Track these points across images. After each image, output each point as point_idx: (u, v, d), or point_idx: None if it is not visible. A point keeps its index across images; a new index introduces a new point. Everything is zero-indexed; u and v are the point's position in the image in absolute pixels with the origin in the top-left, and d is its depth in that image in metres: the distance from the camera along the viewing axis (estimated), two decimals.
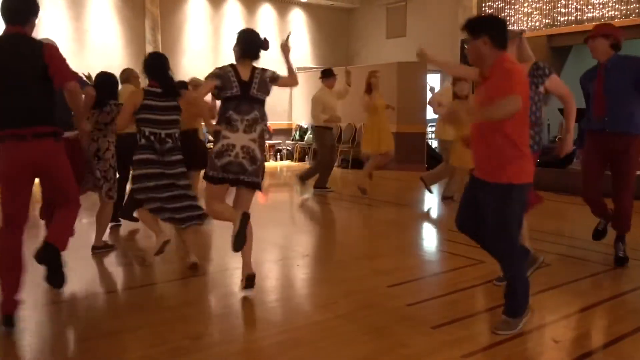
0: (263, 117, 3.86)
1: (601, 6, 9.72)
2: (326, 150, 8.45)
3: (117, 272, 4.37)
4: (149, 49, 11.93)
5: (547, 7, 10.51)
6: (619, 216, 4.43)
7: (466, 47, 3.14)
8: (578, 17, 10.06)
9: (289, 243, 5.60)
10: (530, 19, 10.79)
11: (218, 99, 3.82)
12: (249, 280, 3.75)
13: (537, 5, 10.66)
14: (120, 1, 11.76)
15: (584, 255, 4.88)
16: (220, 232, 4.83)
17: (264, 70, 3.89)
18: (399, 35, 13.71)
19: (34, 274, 4.23)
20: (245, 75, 3.77)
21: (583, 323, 3.37)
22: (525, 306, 3.17)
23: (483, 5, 11.57)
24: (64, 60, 3.38)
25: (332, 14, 14.54)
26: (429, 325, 3.27)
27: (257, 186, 3.80)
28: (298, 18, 14.35)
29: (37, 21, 3.44)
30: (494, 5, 11.38)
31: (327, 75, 8.40)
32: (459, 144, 5.87)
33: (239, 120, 3.70)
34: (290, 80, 4.09)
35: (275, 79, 3.91)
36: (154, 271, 4.50)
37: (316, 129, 8.58)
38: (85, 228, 5.75)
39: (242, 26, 13.25)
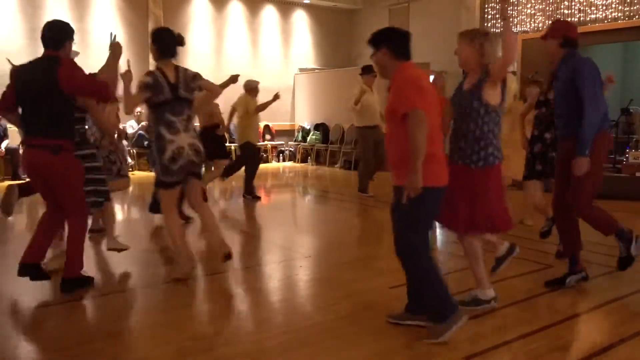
0: (192, 116, 4.06)
1: (604, 7, 9.71)
2: (368, 152, 8.02)
3: (121, 273, 4.37)
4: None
5: (550, 9, 10.50)
6: (591, 226, 4.02)
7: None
8: (581, 19, 10.05)
9: (291, 244, 5.60)
10: (533, 20, 10.78)
11: (150, 105, 3.91)
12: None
13: (540, 7, 10.65)
14: (124, 3, 11.79)
15: (586, 257, 4.86)
16: (223, 233, 4.83)
17: (185, 70, 4.02)
18: None
19: None
20: (171, 76, 3.90)
21: (585, 325, 3.37)
22: (444, 311, 3.02)
23: (486, 6, 11.56)
24: (80, 77, 3.69)
25: (335, 15, 14.55)
26: None
27: (200, 176, 4.21)
28: (301, 19, 14.36)
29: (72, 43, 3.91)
30: (497, 6, 11.36)
31: (367, 71, 7.98)
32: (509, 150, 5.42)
33: (177, 121, 3.87)
34: (210, 94, 4.27)
35: (196, 80, 4.02)
36: (157, 272, 4.51)
37: (357, 130, 8.23)
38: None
39: (246, 28, 13.44)
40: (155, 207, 6.24)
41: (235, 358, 2.91)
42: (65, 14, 11.06)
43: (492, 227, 3.38)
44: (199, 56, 12.71)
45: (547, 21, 10.55)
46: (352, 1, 14.56)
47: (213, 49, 12.99)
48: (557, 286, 3.95)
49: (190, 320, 3.44)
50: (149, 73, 3.94)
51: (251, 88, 7.89)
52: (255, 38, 13.58)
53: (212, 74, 12.40)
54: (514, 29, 11.08)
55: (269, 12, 13.81)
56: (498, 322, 3.38)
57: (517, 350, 3.00)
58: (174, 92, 3.86)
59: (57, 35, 3.79)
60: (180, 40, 4.09)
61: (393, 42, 3.15)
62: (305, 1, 14.04)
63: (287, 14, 14.12)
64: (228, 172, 7.71)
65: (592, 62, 3.91)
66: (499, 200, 3.38)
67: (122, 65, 4.20)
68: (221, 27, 13.16)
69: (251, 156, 7.90)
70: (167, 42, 4.02)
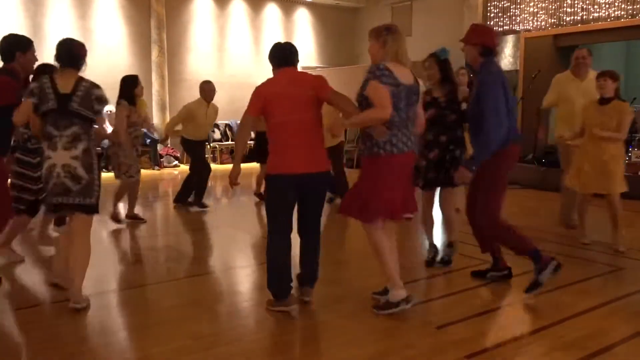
0: (87, 134, 3.52)
1: (607, 6, 9.67)
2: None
3: (121, 271, 4.37)
4: (155, 48, 11.97)
5: (553, 7, 10.47)
6: (501, 244, 4.01)
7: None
8: (584, 17, 10.02)
9: (293, 244, 5.58)
10: (535, 18, 10.75)
11: (38, 115, 3.51)
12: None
13: (543, 5, 10.61)
14: (126, 0, 11.79)
15: (589, 256, 4.86)
16: (224, 231, 4.83)
17: (93, 85, 3.57)
18: (405, 34, 13.61)
19: (40, 274, 4.25)
20: (65, 87, 3.48)
21: (587, 324, 3.35)
22: (275, 292, 3.45)
23: (488, 4, 11.53)
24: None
25: (338, 13, 14.53)
26: (434, 325, 3.26)
27: (87, 209, 3.51)
28: (303, 17, 14.34)
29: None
30: (500, 5, 11.34)
31: None
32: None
33: (57, 136, 3.43)
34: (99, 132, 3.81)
35: (100, 104, 3.56)
36: (157, 270, 4.50)
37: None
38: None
39: (248, 26, 13.42)
40: (181, 198, 7.03)
41: (235, 357, 2.91)
42: (67, 12, 11.07)
43: (353, 213, 3.47)
44: (201, 54, 12.71)
45: (549, 20, 10.52)
46: None
47: (215, 47, 12.98)
48: (534, 288, 3.74)
49: (189, 319, 3.43)
50: (35, 80, 3.72)
51: None
52: (257, 36, 13.57)
53: (215, 72, 12.44)
54: (517, 27, 11.04)
55: (272, 10, 13.80)
56: (500, 321, 3.37)
57: (519, 349, 2.99)
58: (61, 103, 3.43)
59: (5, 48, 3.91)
60: (82, 51, 3.73)
61: (270, 54, 3.67)
62: None
63: (290, 12, 14.10)
64: None
65: (499, 74, 3.78)
66: (372, 191, 3.37)
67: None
68: (223, 25, 13.15)
69: None
70: (68, 54, 3.66)
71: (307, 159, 3.41)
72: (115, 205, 6.12)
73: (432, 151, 4.24)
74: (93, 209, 3.53)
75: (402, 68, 3.38)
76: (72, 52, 3.63)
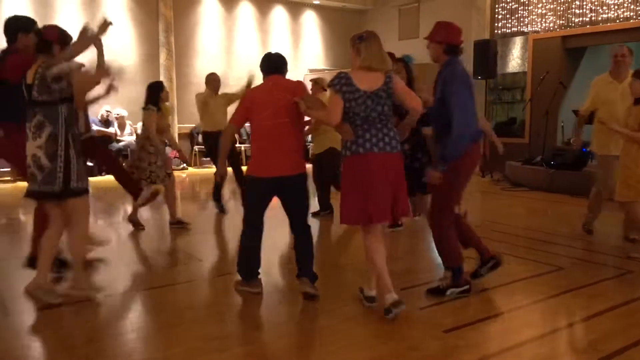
0: (52, 120, 3.44)
1: (616, 7, 9.62)
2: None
3: (130, 274, 4.39)
4: (163, 51, 12.03)
5: (562, 8, 10.42)
6: (436, 245, 3.94)
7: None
8: (593, 18, 9.97)
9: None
10: (544, 19, 10.71)
11: None
12: None
13: (552, 6, 10.57)
14: (134, 4, 11.86)
15: (599, 259, 4.83)
16: (233, 234, 4.84)
17: (47, 68, 3.43)
18: (412, 36, 13.66)
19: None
20: (30, 76, 3.47)
21: (597, 327, 3.33)
22: (243, 275, 3.86)
23: (496, 6, 11.50)
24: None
25: (345, 15, 14.53)
26: (441, 329, 3.25)
27: (51, 196, 3.50)
28: (310, 20, 14.37)
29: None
30: (508, 7, 11.31)
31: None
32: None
33: (28, 127, 3.48)
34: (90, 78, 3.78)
35: (58, 79, 3.43)
36: (167, 273, 4.52)
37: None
38: (99, 229, 5.80)
39: (255, 28, 13.47)
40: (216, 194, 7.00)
41: (243, 359, 2.91)
42: (76, 15, 11.14)
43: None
44: (208, 57, 12.76)
45: (558, 21, 10.48)
46: (362, 1, 14.54)
47: (223, 49, 13.02)
48: (437, 296, 3.77)
49: (199, 321, 3.44)
50: None
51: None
52: (265, 39, 13.60)
53: (222, 75, 12.39)
54: (525, 29, 11.00)
55: (279, 13, 13.83)
56: (508, 325, 3.36)
57: (527, 353, 2.97)
58: (27, 94, 3.45)
59: (8, 29, 4.00)
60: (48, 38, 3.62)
61: (260, 63, 3.89)
62: (315, 2, 14.04)
63: (297, 15, 14.13)
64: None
65: (464, 73, 3.75)
66: (347, 193, 3.46)
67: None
68: (231, 27, 13.19)
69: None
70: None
71: (283, 162, 3.62)
72: (135, 209, 6.05)
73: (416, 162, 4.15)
74: (55, 196, 3.48)
75: (369, 74, 3.45)
76: (41, 38, 3.63)
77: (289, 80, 3.90)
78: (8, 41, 4.06)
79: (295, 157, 3.69)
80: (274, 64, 3.87)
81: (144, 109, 5.84)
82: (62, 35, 3.69)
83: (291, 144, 3.67)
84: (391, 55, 4.93)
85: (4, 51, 4.05)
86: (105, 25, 3.98)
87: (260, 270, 3.89)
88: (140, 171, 5.72)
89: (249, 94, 3.89)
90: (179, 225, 6.06)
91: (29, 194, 3.57)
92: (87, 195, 3.64)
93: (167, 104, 6.26)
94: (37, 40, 3.61)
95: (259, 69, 3.94)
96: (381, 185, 3.37)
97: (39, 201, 3.74)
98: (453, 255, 3.81)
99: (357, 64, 3.52)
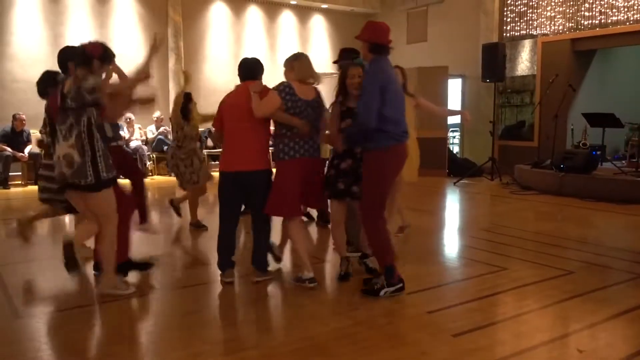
0: (79, 121, 3.70)
1: (626, 9, 9.57)
2: None
3: (139, 277, 4.41)
4: (172, 56, 12.10)
5: (571, 11, 10.38)
6: (369, 244, 4.07)
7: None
8: (602, 21, 9.92)
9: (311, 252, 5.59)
10: (553, 22, 10.67)
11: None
12: None
13: (561, 9, 10.53)
14: (144, 10, 11.94)
15: (609, 263, 4.79)
16: (241, 239, 4.85)
17: (85, 77, 3.73)
18: (420, 40, 13.67)
19: (57, 280, 4.30)
20: (67, 86, 3.77)
21: (607, 332, 3.31)
22: (219, 265, 4.25)
23: (505, 9, 11.47)
24: None
25: (353, 19, 14.55)
26: (450, 333, 3.24)
27: (83, 187, 3.71)
28: (319, 24, 14.40)
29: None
30: (516, 10, 11.28)
31: None
32: None
33: (59, 130, 3.75)
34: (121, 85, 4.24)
35: (93, 90, 3.70)
36: (173, 277, 4.53)
37: None
38: None
39: (264, 33, 13.52)
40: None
41: None
42: (87, 22, 11.24)
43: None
44: (217, 62, 12.82)
45: (567, 24, 10.44)
46: (370, 5, 14.56)
47: (232, 54, 13.07)
48: (371, 296, 3.83)
49: (206, 325, 3.45)
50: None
51: None
52: (273, 43, 13.65)
53: (231, 80, 12.49)
54: (534, 32, 10.97)
55: (287, 18, 13.88)
56: (519, 329, 3.34)
57: (538, 358, 2.95)
58: (62, 101, 3.76)
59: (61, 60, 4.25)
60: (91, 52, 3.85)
61: (238, 69, 4.30)
62: (322, 6, 14.08)
63: (305, 19, 14.17)
64: None
65: (382, 72, 3.76)
66: (279, 190, 4.03)
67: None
68: (239, 32, 13.25)
69: None
70: (61, 62, 4.18)
71: (243, 159, 4.08)
72: (193, 214, 6.31)
73: (344, 161, 4.13)
74: (88, 187, 3.70)
75: (304, 86, 4.06)
76: (83, 51, 3.83)
77: (246, 86, 4.17)
78: (62, 71, 4.27)
79: (255, 155, 4.11)
80: (248, 71, 4.28)
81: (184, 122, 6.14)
82: (105, 53, 3.85)
83: (253, 144, 4.11)
84: (356, 51, 4.93)
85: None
86: (155, 45, 4.24)
87: (232, 264, 4.29)
88: (177, 175, 6.29)
89: (223, 99, 4.28)
90: (197, 227, 6.32)
91: (63, 186, 3.79)
92: (113, 186, 3.85)
93: (197, 112, 6.39)
94: (79, 52, 3.79)
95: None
96: (301, 185, 4.03)
97: (68, 193, 3.87)
98: (385, 254, 3.85)
99: (291, 78, 4.08)
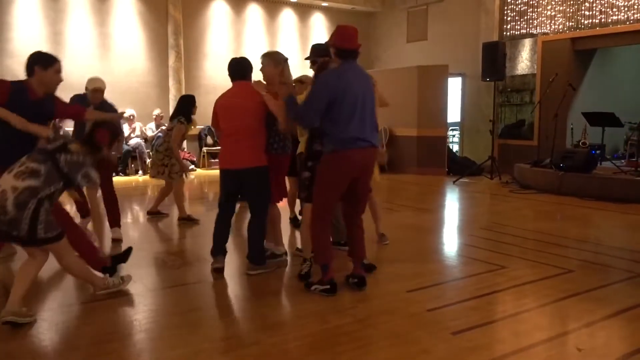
0: (46, 184, 3.35)
1: (626, 9, 9.57)
2: None
3: (138, 275, 4.41)
4: (172, 53, 12.10)
5: (571, 10, 10.39)
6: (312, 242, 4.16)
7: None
8: (602, 20, 9.92)
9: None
10: (553, 21, 10.67)
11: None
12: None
13: (561, 8, 10.54)
14: (144, 7, 11.93)
15: (608, 262, 4.81)
16: (239, 237, 4.86)
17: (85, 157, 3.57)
18: (420, 38, 13.67)
19: (56, 277, 4.31)
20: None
21: (606, 331, 3.32)
22: (213, 251, 4.51)
23: (505, 8, 11.47)
24: None
25: (353, 17, 14.55)
26: (450, 331, 3.25)
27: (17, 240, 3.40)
28: (319, 22, 14.39)
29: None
30: (517, 9, 11.28)
31: None
32: None
33: (21, 162, 3.44)
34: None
35: (86, 177, 3.52)
36: (172, 275, 4.54)
37: None
38: (108, 230, 5.84)
39: (264, 30, 13.51)
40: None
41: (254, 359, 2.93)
42: (87, 19, 11.23)
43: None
44: (217, 59, 12.80)
45: (567, 23, 10.44)
46: (371, 4, 14.55)
47: (232, 52, 13.05)
48: (303, 281, 4.10)
49: (205, 322, 3.46)
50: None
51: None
52: (273, 41, 13.64)
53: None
54: (534, 31, 10.97)
55: (287, 15, 13.87)
56: (518, 327, 3.35)
57: (536, 356, 2.96)
58: (53, 160, 3.38)
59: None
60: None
61: (228, 68, 4.42)
62: (323, 4, 14.07)
63: (305, 17, 14.16)
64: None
65: (330, 78, 3.74)
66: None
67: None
68: (240, 30, 13.24)
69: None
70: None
71: (238, 157, 4.28)
72: (180, 206, 6.66)
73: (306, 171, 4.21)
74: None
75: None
76: (92, 140, 3.67)
77: (249, 86, 4.37)
78: (26, 74, 4.06)
79: (250, 153, 4.28)
80: (239, 71, 4.41)
81: (178, 120, 6.36)
82: (112, 139, 3.77)
83: (248, 142, 4.27)
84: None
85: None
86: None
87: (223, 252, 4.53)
88: (160, 168, 6.59)
89: (217, 100, 4.48)
90: (188, 221, 6.53)
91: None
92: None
93: (193, 116, 6.66)
94: (89, 141, 3.59)
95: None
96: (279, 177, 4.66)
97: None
98: (322, 253, 3.92)
99: (277, 79, 4.29)
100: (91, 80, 5.47)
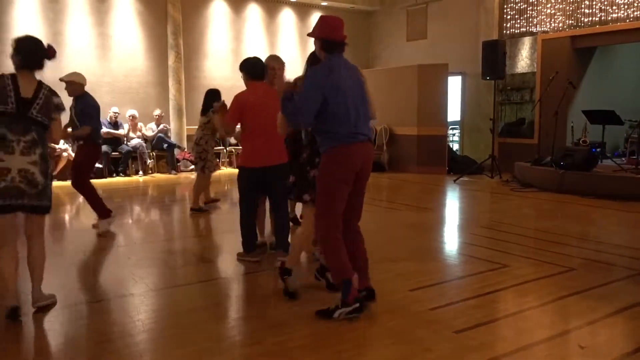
0: (43, 140, 3.50)
1: (626, 6, 9.57)
2: None
3: (141, 275, 4.42)
4: (171, 53, 12.09)
5: (571, 8, 10.39)
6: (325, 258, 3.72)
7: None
8: (602, 18, 9.92)
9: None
10: (553, 20, 10.67)
11: None
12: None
13: (561, 6, 10.54)
14: (143, 7, 11.93)
15: (610, 260, 4.81)
16: (239, 234, 4.86)
17: (52, 93, 3.58)
18: (420, 37, 13.67)
19: (60, 276, 4.32)
20: (27, 91, 3.43)
21: (608, 329, 3.32)
22: (245, 246, 4.75)
23: (505, 6, 11.47)
24: None
25: (353, 16, 14.55)
26: (452, 329, 3.25)
27: (41, 210, 3.53)
28: None
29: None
30: (516, 7, 11.28)
31: None
32: None
33: (14, 140, 3.36)
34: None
35: (58, 110, 3.61)
36: (174, 274, 4.55)
37: None
38: (110, 230, 5.85)
39: (263, 30, 13.52)
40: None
41: (257, 358, 2.93)
42: (86, 19, 11.23)
43: None
44: (217, 59, 12.81)
45: (567, 21, 10.44)
46: (370, 3, 14.55)
47: (231, 52, 13.07)
48: (325, 318, 3.43)
49: (210, 321, 3.46)
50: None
51: None
52: (273, 40, 13.64)
53: (231, 77, 12.53)
54: (534, 29, 10.97)
55: (287, 15, 13.87)
56: (520, 325, 3.35)
57: (539, 354, 2.97)
58: (20, 107, 3.38)
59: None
60: (50, 53, 3.64)
61: (245, 68, 4.65)
62: (323, 3, 14.07)
63: (305, 16, 14.16)
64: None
65: (321, 74, 3.45)
66: None
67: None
68: (239, 30, 13.24)
69: None
70: (32, 54, 3.55)
71: (271, 154, 4.47)
72: (197, 198, 7.20)
73: (313, 169, 3.80)
74: (47, 210, 3.57)
75: None
76: (38, 53, 3.57)
77: (268, 86, 4.63)
78: None
79: (280, 150, 4.55)
80: (260, 71, 4.63)
81: (211, 111, 6.86)
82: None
83: (277, 140, 4.44)
84: None
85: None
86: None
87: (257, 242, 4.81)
88: (199, 162, 7.20)
89: (242, 98, 4.51)
90: (198, 212, 7.08)
91: (18, 207, 3.41)
92: None
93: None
94: (31, 55, 3.52)
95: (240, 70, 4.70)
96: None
97: (23, 213, 3.50)
98: (341, 269, 3.44)
99: (248, 89, 4.61)
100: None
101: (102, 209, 5.84)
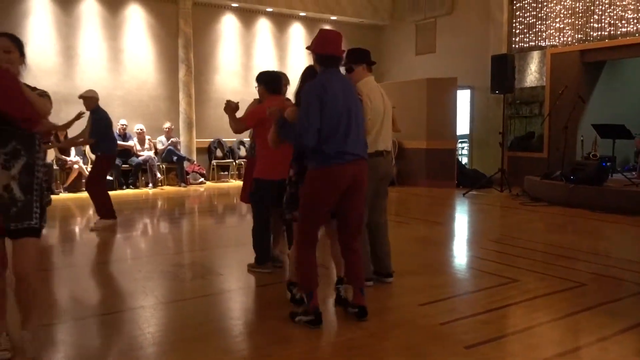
0: (28, 149, 2.94)
1: (635, 21, 9.58)
2: None
3: (150, 287, 4.44)
4: (182, 67, 12.21)
5: (580, 22, 10.40)
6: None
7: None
8: (611, 32, 9.93)
9: (318, 260, 5.59)
10: (562, 34, 10.69)
11: None
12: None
13: (570, 21, 10.56)
14: (154, 20, 12.08)
15: (620, 275, 4.78)
16: (250, 248, 4.88)
17: (42, 94, 3.20)
18: (429, 51, 13.72)
19: (70, 289, 4.34)
20: None
21: (620, 346, 3.29)
22: (259, 258, 4.89)
23: (514, 20, 11.51)
24: None
25: (362, 31, 14.64)
26: (462, 345, 3.24)
27: (23, 233, 2.87)
28: None
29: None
30: (525, 21, 11.31)
31: None
32: None
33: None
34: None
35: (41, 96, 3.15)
36: (184, 287, 4.56)
37: None
38: (120, 243, 5.89)
39: (273, 44, 13.63)
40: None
41: None
42: (98, 33, 11.38)
43: None
44: (227, 73, 12.92)
45: (576, 35, 10.45)
46: (379, 17, 14.64)
47: (241, 66, 13.18)
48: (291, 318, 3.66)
49: (219, 334, 3.47)
50: None
51: None
52: (282, 55, 13.75)
53: (241, 90, 12.63)
54: (542, 43, 10.99)
55: (297, 30, 13.98)
56: (530, 341, 3.33)
57: None
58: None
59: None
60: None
61: (265, 81, 4.84)
62: (332, 17, 14.17)
63: (314, 30, 14.25)
64: None
65: (315, 89, 3.41)
66: None
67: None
68: (249, 44, 13.36)
69: None
70: None
71: (285, 168, 4.15)
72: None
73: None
74: (32, 232, 2.91)
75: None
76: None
77: (284, 101, 4.75)
78: None
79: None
80: (278, 85, 4.79)
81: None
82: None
83: (291, 153, 4.27)
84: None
85: None
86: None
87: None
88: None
89: (262, 109, 4.36)
90: None
91: (14, 232, 2.87)
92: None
93: None
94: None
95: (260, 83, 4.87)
96: None
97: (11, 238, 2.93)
98: (306, 279, 3.58)
99: (267, 102, 4.53)
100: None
101: (107, 212, 6.26)
